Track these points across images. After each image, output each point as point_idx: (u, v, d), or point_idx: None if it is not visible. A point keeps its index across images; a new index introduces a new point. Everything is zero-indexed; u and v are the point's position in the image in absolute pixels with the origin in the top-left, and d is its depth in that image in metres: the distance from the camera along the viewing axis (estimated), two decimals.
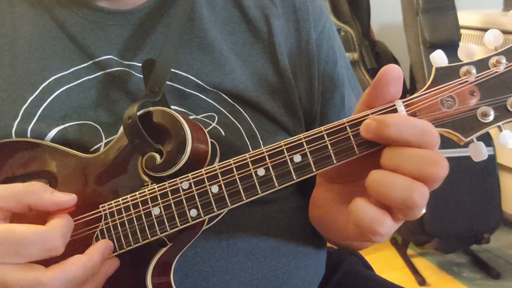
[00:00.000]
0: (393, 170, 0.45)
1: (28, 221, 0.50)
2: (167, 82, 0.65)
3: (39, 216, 0.51)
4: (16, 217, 0.51)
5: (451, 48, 1.97)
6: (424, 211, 0.45)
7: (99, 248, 0.52)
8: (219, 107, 0.66)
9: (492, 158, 1.90)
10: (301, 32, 0.70)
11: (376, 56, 2.22)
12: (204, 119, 0.65)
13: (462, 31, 2.00)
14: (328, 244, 0.76)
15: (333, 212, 0.55)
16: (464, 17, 2.03)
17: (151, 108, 0.57)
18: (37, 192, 0.51)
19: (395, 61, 2.26)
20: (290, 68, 0.68)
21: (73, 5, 0.67)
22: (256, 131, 0.66)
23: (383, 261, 2.04)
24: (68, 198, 0.52)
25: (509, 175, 2.02)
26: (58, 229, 0.50)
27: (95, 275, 0.52)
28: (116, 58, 0.66)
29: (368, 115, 0.48)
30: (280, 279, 0.65)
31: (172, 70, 0.65)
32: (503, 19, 1.97)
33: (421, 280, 1.93)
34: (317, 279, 0.73)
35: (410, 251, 2.10)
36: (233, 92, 0.66)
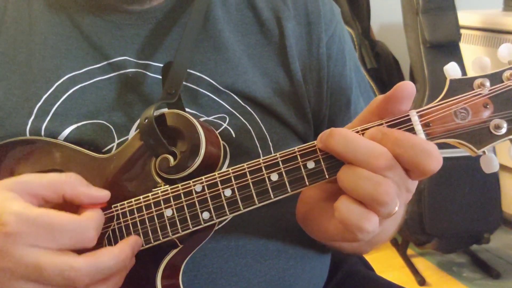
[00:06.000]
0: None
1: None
2: None
3: (69, 209, 0.51)
4: (46, 206, 0.51)
5: (451, 48, 1.98)
6: (397, 208, 0.46)
7: (131, 243, 0.52)
8: (230, 109, 0.66)
9: None
10: (312, 35, 0.70)
11: (376, 56, 2.22)
12: (215, 120, 0.65)
13: (462, 31, 2.00)
14: None
15: (316, 209, 0.55)
16: (464, 17, 2.03)
17: (165, 111, 0.57)
18: (73, 184, 0.51)
19: (395, 61, 2.26)
20: (301, 71, 0.69)
21: (90, 5, 0.68)
22: (266, 133, 0.66)
23: (383, 261, 2.04)
24: (103, 194, 0.53)
25: (509, 175, 2.03)
26: (93, 222, 0.50)
27: (123, 269, 0.52)
28: (131, 59, 0.66)
29: (382, 123, 0.49)
30: (287, 281, 0.65)
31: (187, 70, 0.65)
32: (503, 19, 1.98)
33: (421, 280, 1.93)
34: (321, 282, 0.73)
35: (410, 251, 2.10)
36: (245, 94, 0.66)
